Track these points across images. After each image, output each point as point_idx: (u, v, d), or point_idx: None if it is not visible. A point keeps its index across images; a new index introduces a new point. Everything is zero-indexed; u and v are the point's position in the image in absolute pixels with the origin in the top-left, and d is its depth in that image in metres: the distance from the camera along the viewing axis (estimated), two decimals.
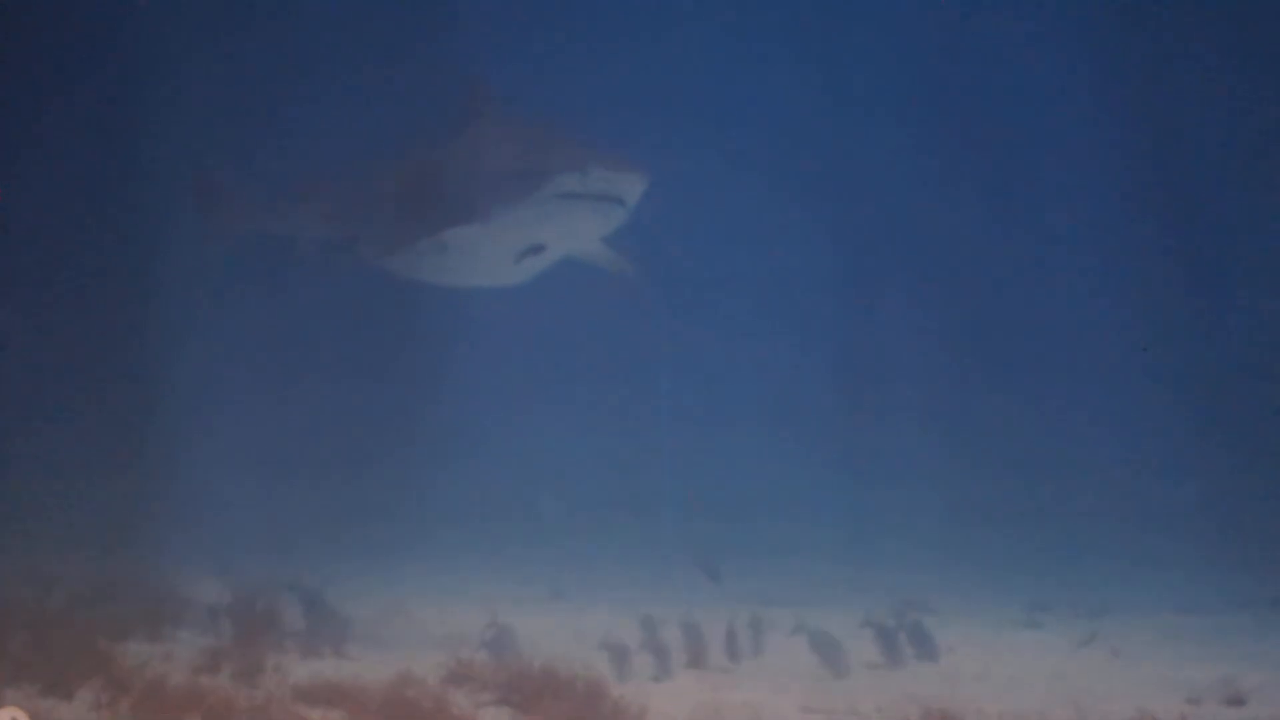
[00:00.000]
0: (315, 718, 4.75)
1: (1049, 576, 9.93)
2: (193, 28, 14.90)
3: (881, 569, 10.16)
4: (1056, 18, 16.84)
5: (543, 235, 7.97)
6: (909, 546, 11.13)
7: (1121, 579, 9.97)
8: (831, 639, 6.31)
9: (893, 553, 10.92)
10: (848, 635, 6.60)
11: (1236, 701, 5.77)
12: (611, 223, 7.92)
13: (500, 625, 6.20)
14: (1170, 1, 16.22)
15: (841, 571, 10.15)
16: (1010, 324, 17.35)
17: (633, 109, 15.97)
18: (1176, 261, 16.76)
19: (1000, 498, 13.50)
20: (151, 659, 5.42)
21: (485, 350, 14.08)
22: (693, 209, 14.01)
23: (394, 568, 9.35)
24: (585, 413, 15.65)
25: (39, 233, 13.54)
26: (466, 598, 8.16)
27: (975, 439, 15.52)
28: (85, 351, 13.40)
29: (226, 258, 9.94)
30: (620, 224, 7.97)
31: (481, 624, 6.21)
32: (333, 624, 6.54)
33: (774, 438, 15.61)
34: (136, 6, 14.45)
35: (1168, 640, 7.51)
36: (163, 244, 12.66)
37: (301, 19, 15.96)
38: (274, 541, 9.14)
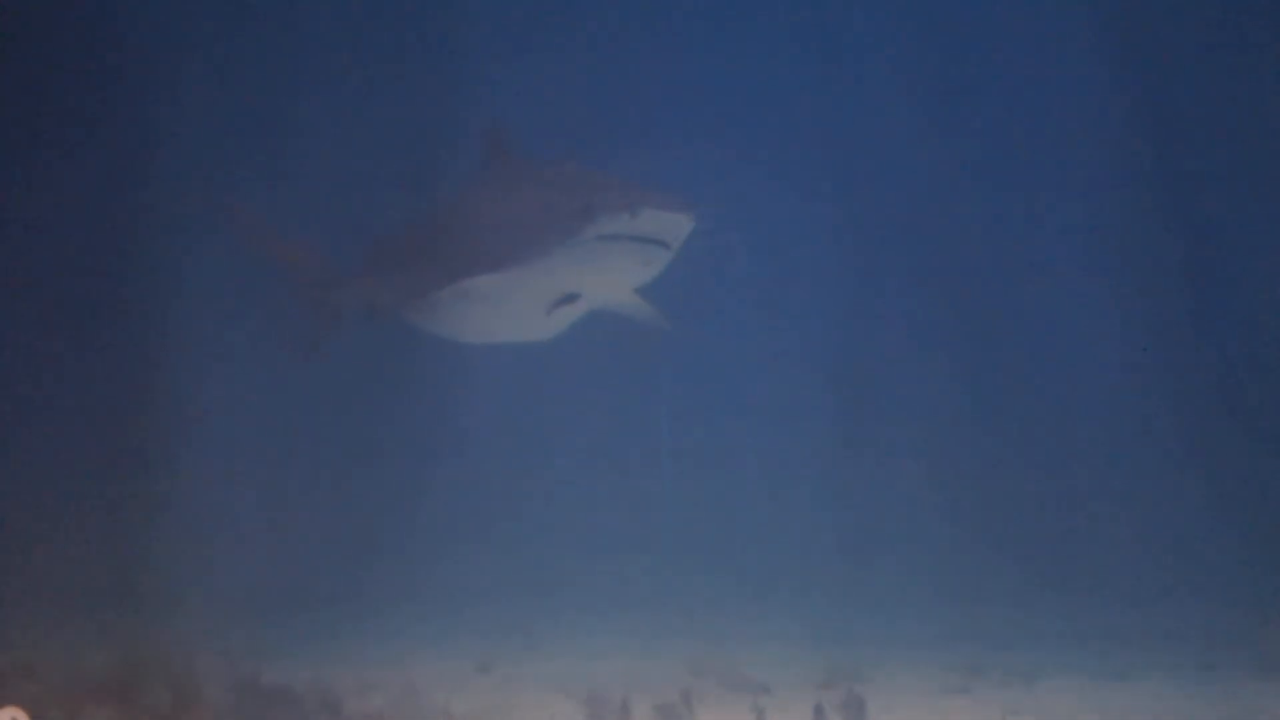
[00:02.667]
0: None
1: (985, 639, 9.94)
2: (199, 32, 14.86)
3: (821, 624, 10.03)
4: (1058, 17, 16.93)
5: (579, 282, 7.45)
6: (851, 600, 10.96)
7: (1055, 641, 9.98)
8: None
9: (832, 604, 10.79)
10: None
11: None
12: (653, 269, 7.36)
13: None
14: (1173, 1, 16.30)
15: (780, 629, 10.02)
16: (1010, 323, 17.33)
17: (632, 109, 16.18)
18: (1177, 261, 16.88)
19: (965, 540, 13.26)
20: None
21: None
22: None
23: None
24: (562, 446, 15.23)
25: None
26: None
27: (953, 468, 15.32)
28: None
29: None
30: (660, 271, 7.41)
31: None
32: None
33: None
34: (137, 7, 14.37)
35: (1093, 710, 7.63)
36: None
37: (305, 24, 15.86)
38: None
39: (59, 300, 13.91)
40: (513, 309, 7.80)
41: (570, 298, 7.54)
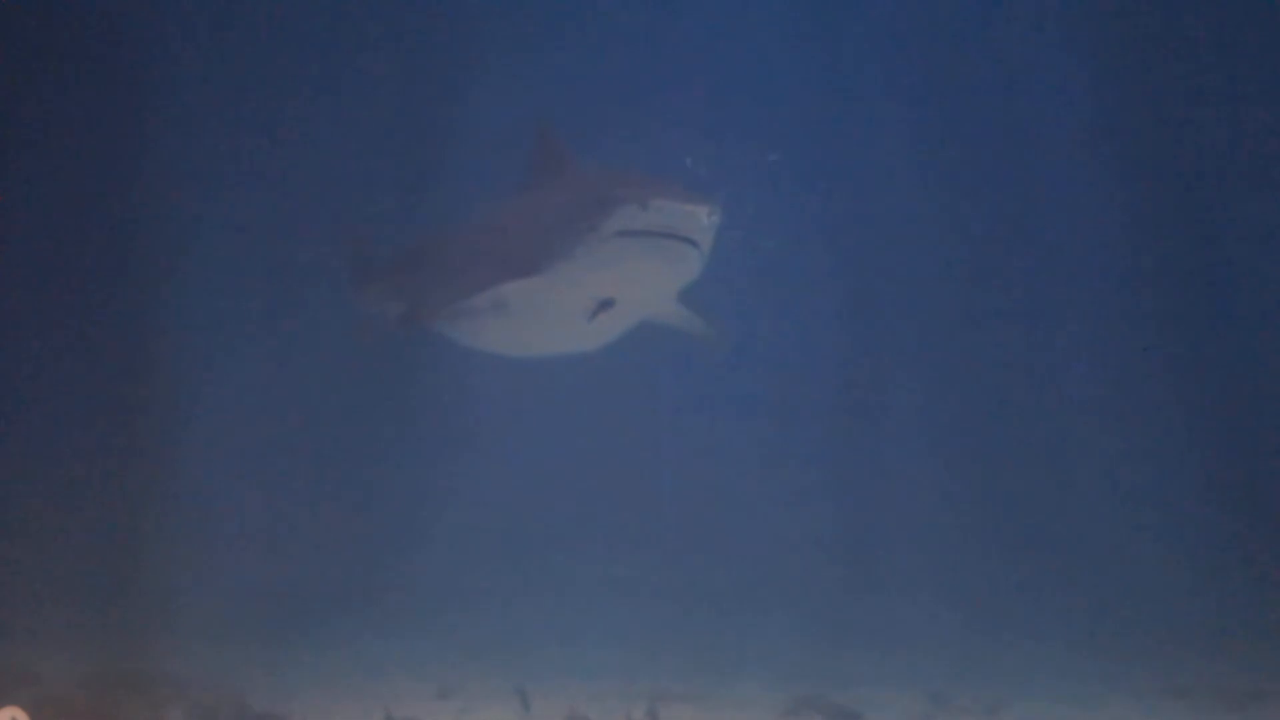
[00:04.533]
0: None
1: (953, 662, 9.99)
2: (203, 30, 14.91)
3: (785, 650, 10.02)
4: (1058, 17, 16.69)
5: (609, 285, 7.12)
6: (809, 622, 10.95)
7: (1020, 670, 9.97)
8: None
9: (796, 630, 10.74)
10: None
11: None
12: (684, 267, 7.02)
13: None
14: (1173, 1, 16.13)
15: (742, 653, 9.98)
16: (1009, 323, 17.13)
17: (630, 109, 15.91)
18: (1177, 261, 16.61)
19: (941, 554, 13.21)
20: None
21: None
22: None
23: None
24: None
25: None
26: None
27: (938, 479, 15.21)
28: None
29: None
30: (698, 272, 7.13)
31: None
32: None
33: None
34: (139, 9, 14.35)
35: None
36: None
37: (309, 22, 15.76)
38: None
39: (59, 301, 14.05)
40: (552, 318, 7.55)
41: (607, 303, 7.16)
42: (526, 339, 8.02)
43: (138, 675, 7.84)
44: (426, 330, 8.33)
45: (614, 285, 7.13)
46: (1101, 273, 17.24)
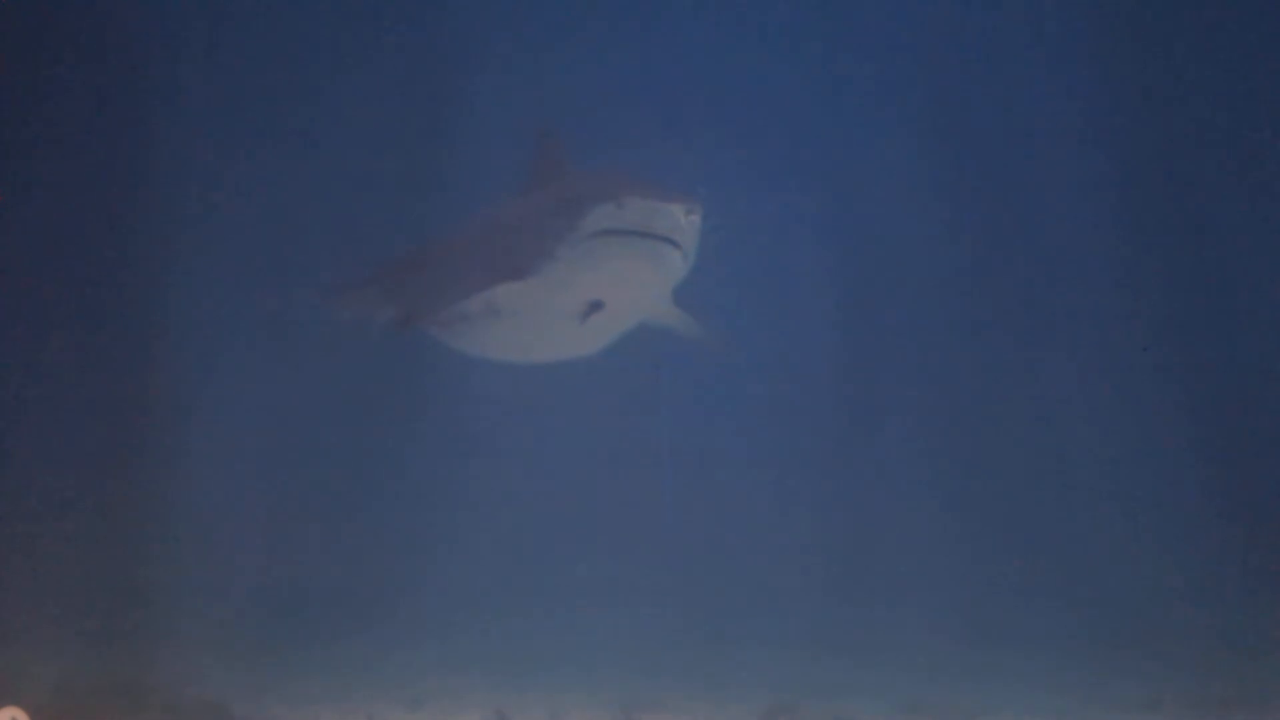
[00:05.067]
0: None
1: (932, 671, 10.02)
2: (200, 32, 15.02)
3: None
4: (1058, 18, 16.82)
5: (594, 287, 7.18)
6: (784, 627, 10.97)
7: (1003, 677, 9.97)
8: None
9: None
10: None
11: None
12: (665, 267, 7.03)
13: None
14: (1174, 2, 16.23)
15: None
16: (1008, 324, 17.16)
17: (628, 109, 15.98)
18: (1177, 261, 16.61)
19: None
20: None
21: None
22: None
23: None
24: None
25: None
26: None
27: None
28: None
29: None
30: (683, 272, 7.18)
31: None
32: None
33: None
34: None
35: None
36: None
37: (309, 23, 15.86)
38: None
39: (59, 301, 14.10)
40: (544, 321, 7.60)
41: (596, 305, 7.23)
42: (524, 344, 8.06)
43: (137, 676, 7.96)
44: (422, 336, 8.36)
45: (599, 286, 7.17)
46: (1101, 273, 17.21)
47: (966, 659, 10.65)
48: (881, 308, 17.61)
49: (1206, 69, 16.48)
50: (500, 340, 8.05)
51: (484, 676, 9.03)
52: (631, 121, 16.05)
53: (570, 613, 11.31)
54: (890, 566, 13.46)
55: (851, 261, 17.29)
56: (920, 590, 12.67)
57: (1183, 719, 8.84)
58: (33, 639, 9.02)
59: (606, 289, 7.20)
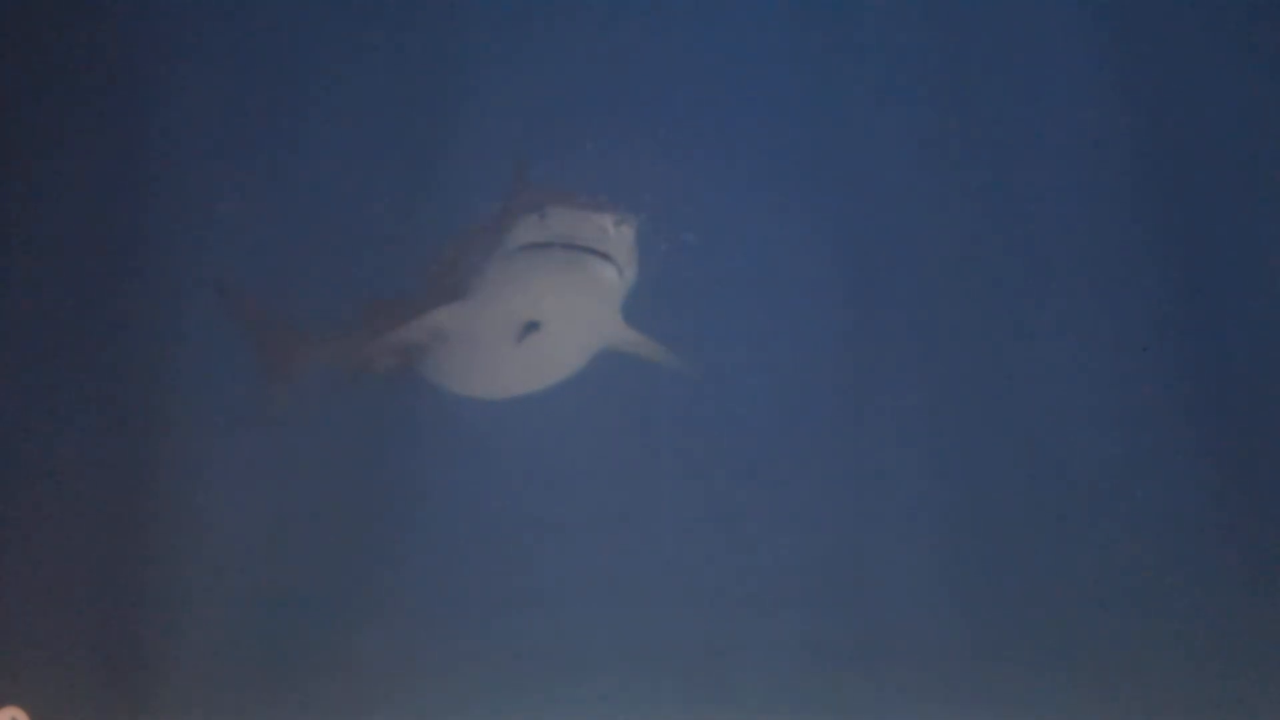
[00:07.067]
0: None
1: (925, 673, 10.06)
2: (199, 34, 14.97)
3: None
4: (1058, 17, 16.55)
5: (529, 305, 6.83)
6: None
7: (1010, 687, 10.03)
8: None
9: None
10: None
11: None
12: (595, 280, 6.58)
13: None
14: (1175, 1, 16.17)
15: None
16: (1008, 324, 16.70)
17: (627, 109, 15.74)
18: (1177, 261, 16.25)
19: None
20: None
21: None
22: (690, 211, 13.72)
23: None
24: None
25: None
26: None
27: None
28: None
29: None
30: (625, 287, 6.81)
31: None
32: None
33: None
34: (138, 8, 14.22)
35: None
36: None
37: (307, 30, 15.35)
38: None
39: (59, 301, 14.12)
40: (487, 346, 7.31)
41: (531, 325, 6.91)
42: (486, 375, 7.80)
43: (136, 678, 7.98)
44: (378, 374, 8.28)
45: (532, 304, 6.87)
46: (1100, 274, 17.24)
47: (967, 661, 10.69)
48: (881, 307, 17.62)
49: (1211, 67, 16.46)
50: (460, 370, 7.87)
51: (487, 692, 9.04)
52: (631, 122, 16.07)
53: (570, 613, 11.22)
54: (891, 568, 13.34)
55: (851, 261, 17.31)
56: (920, 591, 12.63)
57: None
58: (33, 639, 9.04)
59: (540, 306, 6.90)
